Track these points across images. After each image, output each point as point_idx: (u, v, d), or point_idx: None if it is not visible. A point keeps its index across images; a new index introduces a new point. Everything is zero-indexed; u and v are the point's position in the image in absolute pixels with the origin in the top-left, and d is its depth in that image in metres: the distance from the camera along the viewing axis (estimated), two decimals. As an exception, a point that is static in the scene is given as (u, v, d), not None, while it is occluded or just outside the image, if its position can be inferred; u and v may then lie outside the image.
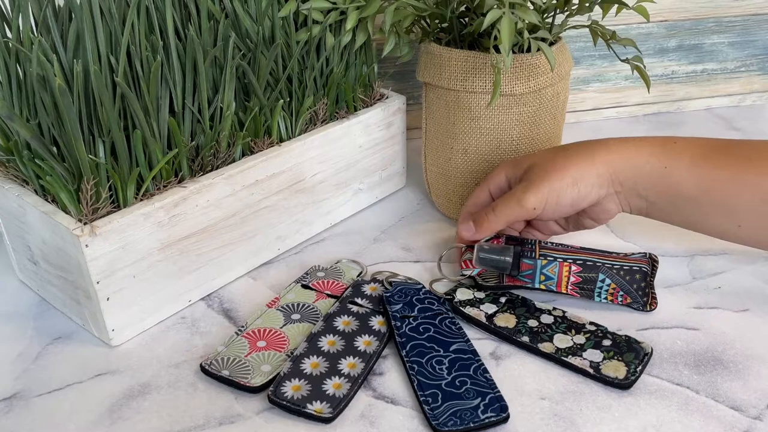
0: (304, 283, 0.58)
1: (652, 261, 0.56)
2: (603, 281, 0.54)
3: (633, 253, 0.56)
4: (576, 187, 0.53)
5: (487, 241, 0.57)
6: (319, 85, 0.63)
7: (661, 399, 0.47)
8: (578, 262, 0.54)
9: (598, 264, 0.54)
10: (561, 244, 0.57)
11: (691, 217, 0.54)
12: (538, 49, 0.55)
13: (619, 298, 0.54)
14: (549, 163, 0.55)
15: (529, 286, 0.55)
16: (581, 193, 0.53)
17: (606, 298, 0.54)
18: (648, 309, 0.54)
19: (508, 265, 0.55)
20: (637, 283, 0.54)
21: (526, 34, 0.54)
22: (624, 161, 0.53)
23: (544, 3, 0.57)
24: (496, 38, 0.53)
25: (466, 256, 0.57)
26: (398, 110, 0.69)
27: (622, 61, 0.61)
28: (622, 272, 0.54)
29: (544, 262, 0.54)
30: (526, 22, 0.53)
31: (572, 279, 0.54)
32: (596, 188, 0.53)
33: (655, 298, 0.55)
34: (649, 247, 0.63)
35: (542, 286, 0.54)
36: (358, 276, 0.59)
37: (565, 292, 0.54)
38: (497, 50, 0.55)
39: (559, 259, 0.54)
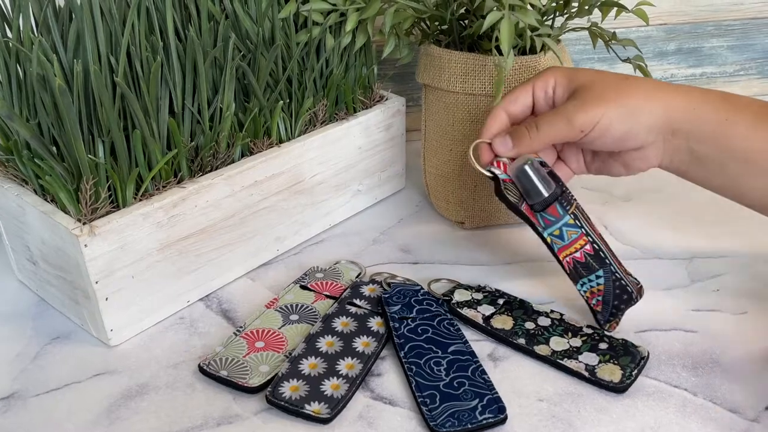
0: (302, 284, 0.58)
1: (640, 293, 0.53)
2: (598, 277, 0.52)
3: (632, 275, 0.53)
4: (631, 120, 0.49)
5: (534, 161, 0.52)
6: (318, 86, 0.63)
7: (659, 401, 0.47)
8: (595, 245, 0.51)
9: (606, 261, 0.52)
10: (589, 219, 0.53)
11: (737, 179, 0.50)
12: (543, 47, 0.55)
13: (594, 302, 0.52)
14: (608, 86, 0.51)
15: (539, 229, 0.52)
16: (633, 129, 0.50)
17: (584, 293, 0.52)
18: (606, 328, 0.52)
19: (542, 198, 0.51)
20: (619, 300, 0.52)
21: (528, 33, 0.54)
22: (686, 105, 0.50)
23: (543, 5, 0.57)
24: (497, 39, 0.53)
25: (502, 157, 0.53)
26: (398, 112, 0.69)
27: (624, 61, 0.61)
28: (617, 283, 0.52)
29: (571, 221, 0.51)
30: (527, 24, 0.53)
31: (577, 255, 0.51)
32: (646, 130, 0.50)
33: (618, 323, 0.53)
34: (648, 249, 0.63)
35: (548, 239, 0.51)
36: (357, 277, 0.59)
37: (561, 259, 0.52)
38: (499, 51, 0.55)
39: (583, 229, 0.51)
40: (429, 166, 0.68)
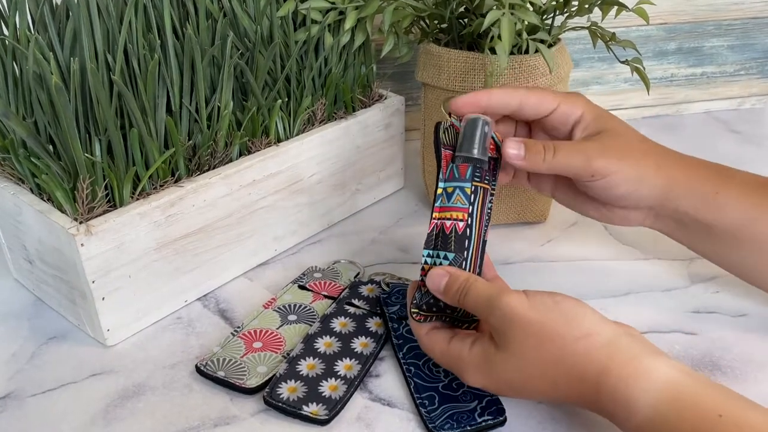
0: (300, 283, 0.58)
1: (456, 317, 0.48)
2: (445, 258, 0.46)
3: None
4: (635, 186, 0.49)
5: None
6: (317, 85, 0.63)
7: (659, 403, 0.46)
8: (468, 230, 0.47)
9: (464, 252, 0.47)
10: (487, 219, 0.48)
11: (722, 249, 0.51)
12: (537, 51, 0.55)
13: (422, 278, 0.47)
14: (631, 143, 0.50)
15: (440, 177, 0.48)
16: (633, 195, 0.50)
17: (423, 264, 0.47)
18: (412, 313, 0.47)
19: (470, 155, 0.48)
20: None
21: (525, 35, 0.54)
22: (684, 179, 0.50)
23: (543, 4, 0.57)
24: (493, 39, 0.53)
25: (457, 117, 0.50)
26: (397, 111, 0.69)
27: (622, 62, 0.60)
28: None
29: (468, 190, 0.47)
30: (526, 23, 0.53)
31: (447, 223, 0.47)
32: (642, 198, 0.50)
33: (423, 319, 0.47)
34: (648, 250, 0.63)
35: (440, 190, 0.48)
36: (356, 277, 0.59)
37: (432, 216, 0.48)
38: (492, 52, 0.55)
39: (471, 208, 0.47)
40: (428, 166, 0.67)
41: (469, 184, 0.48)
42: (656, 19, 0.85)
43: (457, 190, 0.48)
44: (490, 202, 0.49)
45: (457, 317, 0.47)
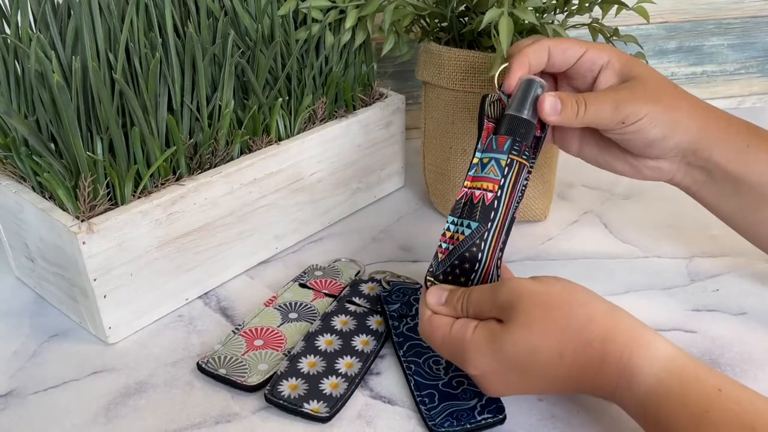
0: (301, 282, 0.58)
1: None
2: (467, 227, 0.46)
3: (497, 274, 0.47)
4: (668, 130, 0.48)
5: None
6: (318, 83, 0.63)
7: (658, 401, 0.46)
8: (496, 201, 0.46)
9: (489, 223, 0.46)
10: (519, 195, 0.48)
11: (748, 206, 0.50)
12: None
13: (443, 246, 0.47)
14: (662, 88, 0.49)
15: (477, 147, 0.48)
16: (665, 139, 0.49)
17: (445, 231, 0.47)
18: (427, 281, 0.46)
19: (521, 116, 0.47)
20: (460, 265, 0.46)
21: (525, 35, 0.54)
22: (717, 127, 0.49)
23: (543, 3, 0.57)
24: (493, 38, 0.53)
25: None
26: (397, 110, 0.69)
27: (625, 58, 0.60)
28: (474, 249, 0.46)
29: (503, 162, 0.47)
30: (526, 22, 0.53)
31: (476, 192, 0.46)
32: (674, 144, 0.49)
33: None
34: (647, 248, 0.63)
35: (476, 159, 0.48)
36: (356, 275, 0.59)
37: (464, 183, 0.47)
38: (493, 51, 0.55)
39: (503, 180, 0.46)
40: (429, 164, 0.68)
41: (505, 156, 0.47)
42: (656, 18, 0.85)
43: (492, 161, 0.47)
44: (525, 179, 0.48)
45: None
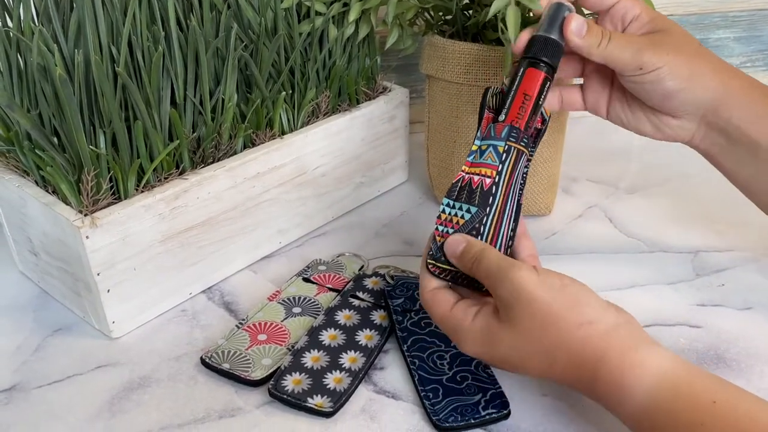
0: (305, 276, 0.58)
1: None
2: (467, 211, 0.47)
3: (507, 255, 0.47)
4: (687, 83, 0.49)
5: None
6: (321, 77, 0.63)
7: (664, 396, 0.46)
8: (494, 187, 0.46)
9: (488, 208, 0.46)
10: (519, 184, 0.49)
11: (765, 174, 0.50)
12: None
13: (441, 229, 0.47)
14: (686, 43, 0.49)
15: (477, 134, 0.49)
16: (683, 93, 0.49)
17: (441, 214, 0.47)
18: (429, 263, 0.46)
19: (551, 38, 0.48)
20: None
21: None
22: (739, 87, 0.49)
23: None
24: (501, 30, 0.53)
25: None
26: (401, 103, 0.69)
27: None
28: (474, 233, 0.46)
29: (501, 149, 0.47)
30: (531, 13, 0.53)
31: (475, 178, 0.47)
32: (693, 100, 0.49)
33: (441, 272, 0.46)
34: (653, 242, 0.62)
35: (475, 146, 0.48)
36: (360, 270, 0.59)
37: (462, 168, 0.48)
38: (499, 43, 0.54)
39: (501, 167, 0.47)
40: (432, 158, 0.67)
41: (502, 143, 0.47)
42: (662, 11, 0.84)
43: (490, 148, 0.47)
44: (525, 167, 0.49)
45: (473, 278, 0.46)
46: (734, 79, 0.50)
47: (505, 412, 0.44)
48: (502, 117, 0.48)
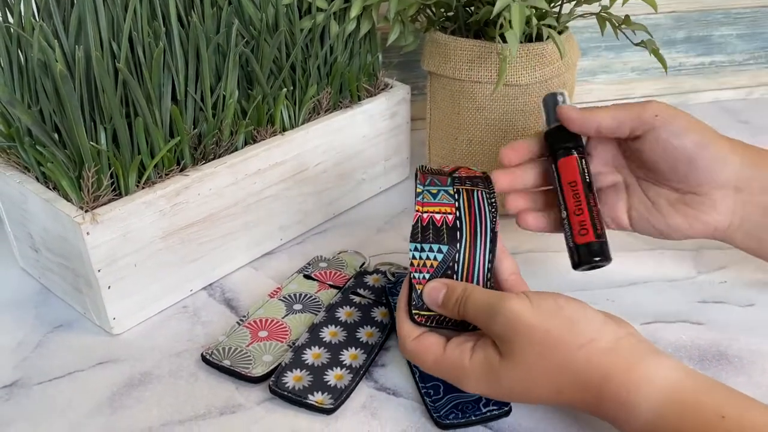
0: (306, 273, 0.58)
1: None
2: (439, 252, 0.46)
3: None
4: (709, 135, 0.47)
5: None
6: (322, 73, 0.63)
7: (665, 393, 0.46)
8: (458, 221, 0.46)
9: (457, 243, 0.46)
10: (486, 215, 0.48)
11: None
12: (548, 37, 0.54)
13: (417, 276, 0.46)
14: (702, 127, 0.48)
15: (417, 185, 0.48)
16: (709, 146, 0.47)
17: (411, 260, 0.46)
18: (414, 315, 0.45)
19: (557, 132, 0.50)
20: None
21: (534, 21, 0.53)
22: (758, 155, 0.48)
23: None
24: (502, 26, 0.53)
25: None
26: (402, 100, 0.69)
27: (636, 44, 0.59)
28: (449, 272, 0.46)
29: (451, 191, 0.48)
30: (534, 10, 0.53)
31: (437, 216, 0.47)
32: (722, 159, 0.47)
33: (426, 321, 0.46)
34: (654, 240, 0.62)
35: (419, 189, 0.48)
36: (361, 267, 0.59)
37: (416, 208, 0.47)
38: (503, 39, 0.54)
39: (458, 203, 0.48)
40: (434, 155, 0.67)
41: (450, 188, 0.48)
42: (665, 8, 0.85)
43: (441, 191, 0.48)
44: (487, 200, 0.48)
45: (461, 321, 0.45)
46: (748, 149, 0.48)
47: (506, 409, 0.44)
48: (563, 214, 0.49)
